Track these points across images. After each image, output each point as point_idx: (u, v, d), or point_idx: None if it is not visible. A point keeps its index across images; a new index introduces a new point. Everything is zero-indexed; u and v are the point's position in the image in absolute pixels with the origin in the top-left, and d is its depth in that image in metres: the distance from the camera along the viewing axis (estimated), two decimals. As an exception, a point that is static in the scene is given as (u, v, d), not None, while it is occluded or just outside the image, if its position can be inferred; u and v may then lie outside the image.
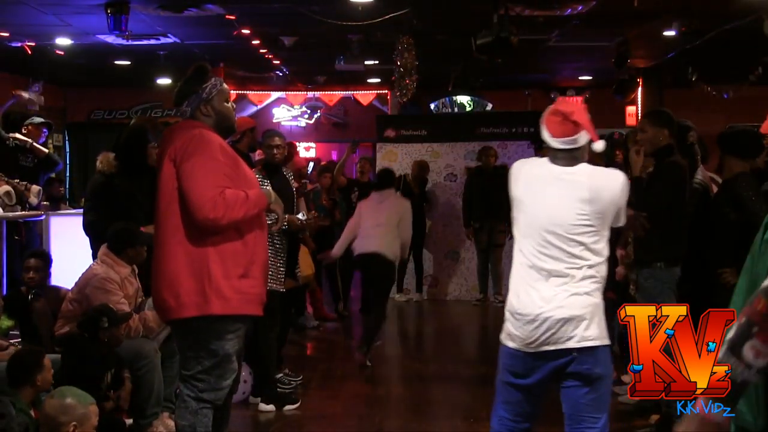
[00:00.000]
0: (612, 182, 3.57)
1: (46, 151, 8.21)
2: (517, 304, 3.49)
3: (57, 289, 5.78)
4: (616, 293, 6.16)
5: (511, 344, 3.51)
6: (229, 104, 4.06)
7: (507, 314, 3.54)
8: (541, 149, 9.63)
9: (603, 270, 3.49)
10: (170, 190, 3.80)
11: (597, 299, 3.46)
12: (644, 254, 5.29)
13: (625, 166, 5.95)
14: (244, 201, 3.80)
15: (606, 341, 3.46)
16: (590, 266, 3.45)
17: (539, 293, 3.44)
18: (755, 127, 5.46)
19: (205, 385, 3.88)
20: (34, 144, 8.04)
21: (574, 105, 3.61)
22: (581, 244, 3.44)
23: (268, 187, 4.57)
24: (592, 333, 3.41)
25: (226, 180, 3.79)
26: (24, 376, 4.26)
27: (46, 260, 5.81)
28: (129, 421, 5.07)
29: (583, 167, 3.58)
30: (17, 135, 8.01)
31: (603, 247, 3.48)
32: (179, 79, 4.13)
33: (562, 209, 3.46)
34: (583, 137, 3.57)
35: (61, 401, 3.84)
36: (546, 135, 3.58)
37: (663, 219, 5.21)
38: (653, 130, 5.28)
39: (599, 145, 3.58)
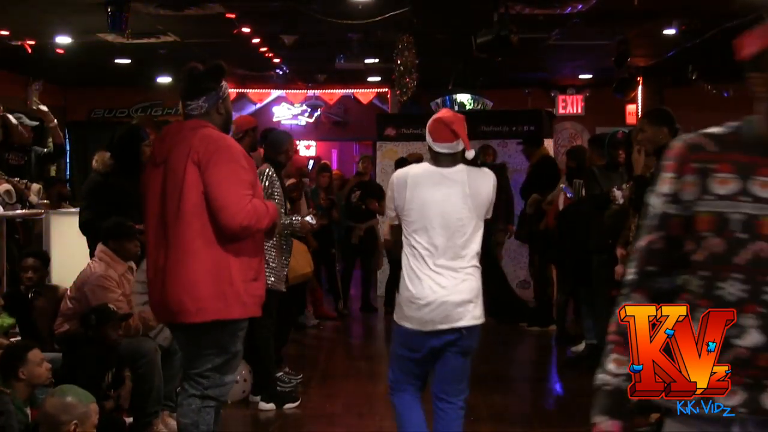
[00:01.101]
0: (486, 180, 4.07)
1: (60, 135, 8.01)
2: (414, 290, 3.95)
3: (56, 287, 5.79)
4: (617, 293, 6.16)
5: (407, 325, 4.00)
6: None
7: (403, 300, 4.00)
8: (532, 147, 9.64)
9: (478, 258, 4.02)
10: (198, 194, 3.77)
11: (480, 283, 4.01)
12: None
13: (627, 166, 5.96)
14: (266, 212, 3.90)
15: (483, 319, 4.04)
16: (473, 255, 3.99)
17: (434, 281, 3.92)
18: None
19: (210, 381, 3.91)
20: (55, 123, 7.85)
21: (455, 117, 4.05)
22: (465, 234, 3.95)
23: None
24: (478, 313, 4.00)
25: (251, 188, 3.86)
26: (9, 370, 4.27)
27: (44, 260, 5.81)
28: (129, 420, 5.07)
29: (461, 167, 4.03)
30: (41, 106, 7.81)
31: (480, 237, 4.02)
32: (180, 77, 4.10)
33: (449, 205, 3.95)
34: (460, 144, 4.00)
35: (61, 400, 3.84)
36: (430, 140, 4.03)
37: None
38: (652, 129, 5.30)
39: (470, 154, 4.04)
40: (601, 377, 2.15)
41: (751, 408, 1.96)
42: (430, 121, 4.05)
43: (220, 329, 3.85)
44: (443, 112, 4.12)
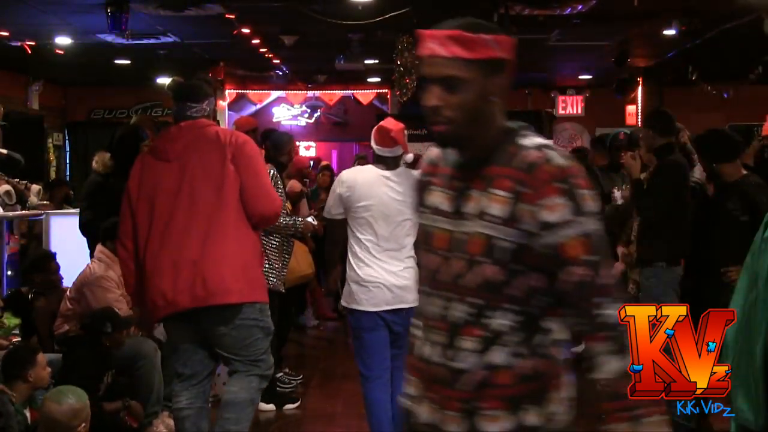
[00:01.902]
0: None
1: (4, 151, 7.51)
2: (362, 274, 4.51)
3: (57, 288, 5.79)
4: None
5: (358, 307, 4.53)
6: None
7: (352, 285, 4.53)
8: None
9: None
10: (236, 187, 4.02)
11: (415, 267, 4.28)
12: (646, 253, 5.28)
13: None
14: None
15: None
16: (411, 246, 4.47)
17: (380, 266, 4.50)
18: (752, 126, 5.49)
19: (266, 364, 4.18)
20: None
21: (396, 126, 4.63)
22: (404, 227, 4.53)
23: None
24: (416, 295, 3.95)
25: None
26: (16, 371, 4.27)
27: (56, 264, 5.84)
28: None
29: (401, 170, 4.64)
30: None
31: (415, 229, 4.07)
32: (180, 77, 4.18)
33: (391, 203, 4.54)
34: (399, 149, 4.61)
35: (69, 406, 3.82)
36: (374, 144, 4.65)
37: (665, 218, 5.21)
38: (643, 131, 5.44)
39: (409, 157, 4.67)
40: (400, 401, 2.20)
41: None
42: (374, 129, 4.66)
43: (258, 311, 4.09)
44: (386, 122, 4.71)
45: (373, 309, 4.51)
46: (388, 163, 4.64)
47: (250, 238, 4.09)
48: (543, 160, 1.92)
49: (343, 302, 4.70)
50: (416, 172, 4.42)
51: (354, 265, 4.58)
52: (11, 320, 5.31)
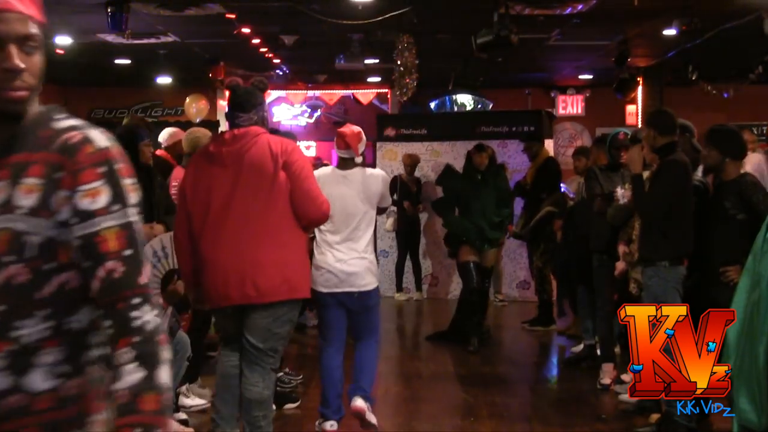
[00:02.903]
0: (375, 178, 5.37)
1: None
2: (321, 261, 5.21)
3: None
4: (618, 292, 6.16)
5: (317, 287, 5.14)
6: None
7: (313, 269, 5.09)
8: (529, 146, 9.66)
9: (371, 241, 5.33)
10: (287, 192, 4.34)
11: (372, 258, 5.33)
12: (648, 253, 5.27)
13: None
14: None
15: (375, 284, 5.32)
16: (366, 238, 5.29)
17: (334, 255, 5.20)
18: (752, 126, 5.49)
19: (277, 357, 4.55)
20: None
21: (351, 132, 5.35)
22: (361, 220, 5.25)
23: None
24: (367, 281, 5.25)
25: None
26: None
27: None
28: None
29: (357, 169, 5.34)
30: None
31: (373, 222, 5.36)
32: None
33: (348, 199, 5.22)
34: (353, 152, 5.33)
35: None
36: (335, 148, 5.43)
37: (666, 217, 5.21)
38: (645, 130, 5.42)
39: (358, 159, 5.37)
40: None
41: None
42: (336, 134, 5.41)
43: (296, 307, 4.48)
44: (344, 127, 5.46)
45: (325, 290, 5.21)
46: (345, 164, 5.36)
47: (299, 240, 4.43)
48: (83, 141, 1.74)
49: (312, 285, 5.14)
50: (374, 171, 5.42)
51: (316, 252, 5.27)
52: None
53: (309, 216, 4.41)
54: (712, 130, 5.26)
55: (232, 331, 4.49)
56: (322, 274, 5.20)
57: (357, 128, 5.41)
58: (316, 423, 5.36)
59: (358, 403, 5.22)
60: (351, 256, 5.21)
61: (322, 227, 5.13)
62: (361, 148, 5.38)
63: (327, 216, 4.54)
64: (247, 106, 4.47)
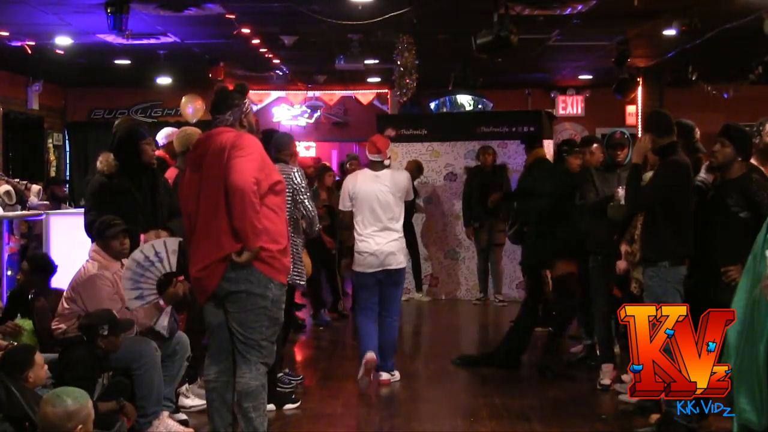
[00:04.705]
0: (401, 175, 6.90)
1: None
2: (364, 247, 6.58)
3: (56, 289, 5.78)
4: (620, 290, 6.15)
5: (360, 269, 6.63)
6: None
7: (356, 254, 6.65)
8: (532, 147, 9.65)
9: (402, 225, 6.71)
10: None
11: (403, 242, 6.75)
12: (650, 253, 5.27)
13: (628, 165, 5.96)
14: (256, 212, 4.60)
15: (405, 264, 6.85)
16: (398, 224, 6.64)
17: (373, 240, 6.55)
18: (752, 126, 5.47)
19: (267, 351, 4.55)
20: None
21: (380, 139, 6.78)
22: (392, 211, 6.62)
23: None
24: (400, 260, 6.69)
25: (261, 171, 4.57)
26: (16, 372, 4.26)
27: (46, 267, 5.82)
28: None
29: (386, 171, 6.70)
30: None
31: (401, 213, 6.71)
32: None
33: (380, 194, 6.60)
34: (383, 156, 6.69)
35: (64, 408, 3.79)
36: (366, 152, 6.81)
37: (668, 217, 5.20)
38: (644, 136, 5.42)
39: (387, 162, 6.73)
40: None
41: None
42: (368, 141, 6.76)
43: (270, 301, 4.52)
44: (375, 136, 6.89)
45: (369, 270, 6.57)
46: (376, 166, 6.67)
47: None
48: None
49: (353, 267, 6.73)
50: (401, 170, 7.17)
51: (357, 240, 6.62)
52: (25, 323, 5.32)
53: (228, 182, 4.30)
54: (729, 127, 5.22)
55: (215, 328, 4.59)
56: (365, 258, 6.55)
57: (386, 137, 6.76)
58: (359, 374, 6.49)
59: (385, 376, 6.72)
60: (388, 239, 6.55)
61: (360, 217, 6.58)
62: (389, 153, 6.69)
63: (242, 189, 4.28)
64: (222, 107, 4.63)
